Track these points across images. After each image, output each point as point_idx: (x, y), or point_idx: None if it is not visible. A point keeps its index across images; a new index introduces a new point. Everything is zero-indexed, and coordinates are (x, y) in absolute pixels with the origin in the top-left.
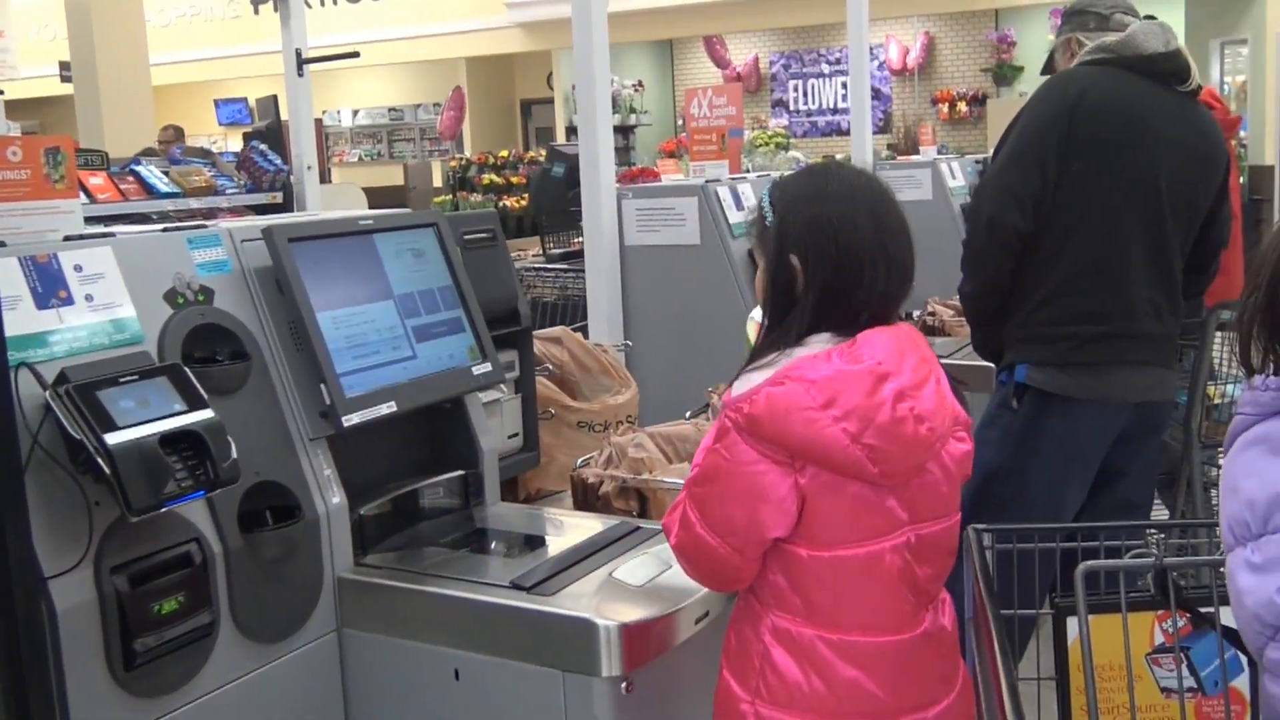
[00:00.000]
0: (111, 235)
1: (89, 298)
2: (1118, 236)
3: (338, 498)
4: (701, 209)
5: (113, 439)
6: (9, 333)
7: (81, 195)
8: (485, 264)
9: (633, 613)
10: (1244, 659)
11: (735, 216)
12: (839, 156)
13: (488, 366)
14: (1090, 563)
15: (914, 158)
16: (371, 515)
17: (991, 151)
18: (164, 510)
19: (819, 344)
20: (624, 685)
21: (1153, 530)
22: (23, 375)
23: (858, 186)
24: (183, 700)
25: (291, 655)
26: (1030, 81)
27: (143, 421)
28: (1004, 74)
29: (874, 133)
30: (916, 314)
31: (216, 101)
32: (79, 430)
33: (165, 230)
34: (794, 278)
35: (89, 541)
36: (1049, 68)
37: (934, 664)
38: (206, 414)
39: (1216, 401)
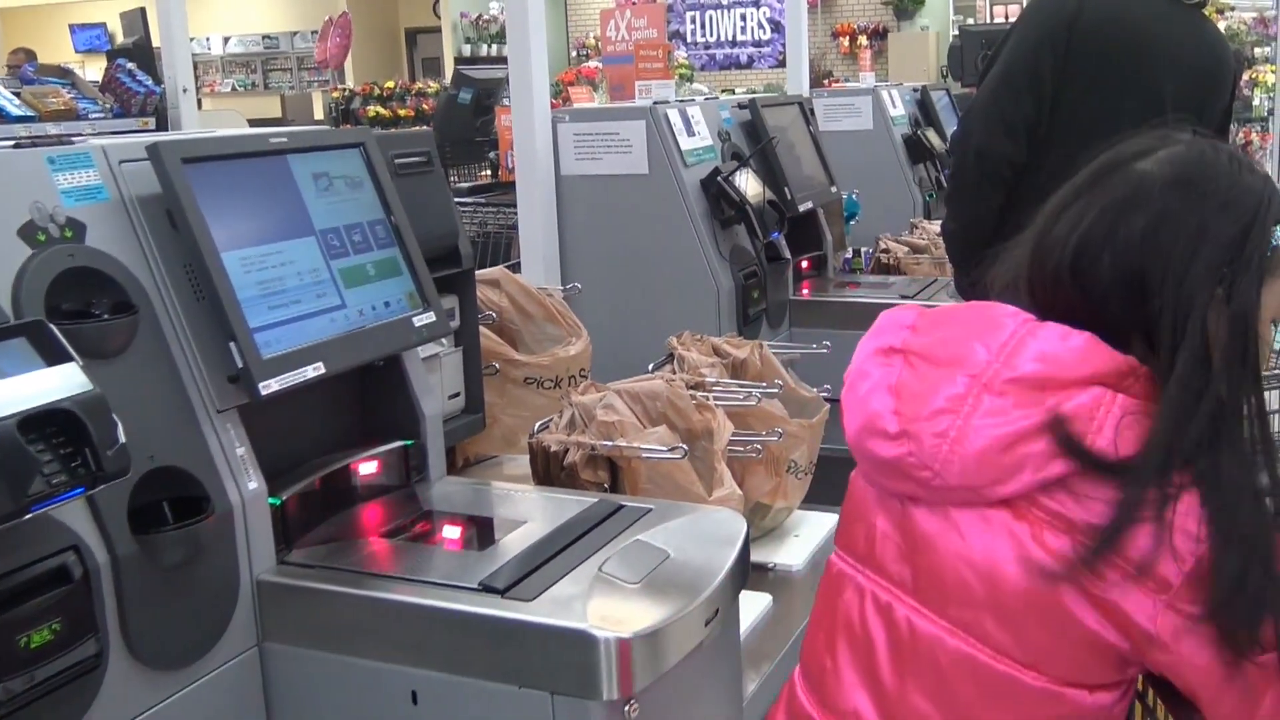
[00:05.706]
0: None
1: None
2: None
3: (254, 482)
4: (650, 134)
5: None
6: None
7: None
8: (420, 193)
9: (636, 619)
10: None
11: (688, 143)
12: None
13: (431, 316)
14: None
15: (851, 85)
16: (294, 501)
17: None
18: (28, 517)
19: None
20: (628, 708)
21: None
22: None
23: None
24: None
25: (202, 682)
26: (932, 15)
27: None
28: (905, 7)
29: (773, 66)
30: (867, 251)
31: (72, 26)
32: None
33: (17, 147)
34: None
35: None
36: None
37: None
38: (83, 385)
39: None
